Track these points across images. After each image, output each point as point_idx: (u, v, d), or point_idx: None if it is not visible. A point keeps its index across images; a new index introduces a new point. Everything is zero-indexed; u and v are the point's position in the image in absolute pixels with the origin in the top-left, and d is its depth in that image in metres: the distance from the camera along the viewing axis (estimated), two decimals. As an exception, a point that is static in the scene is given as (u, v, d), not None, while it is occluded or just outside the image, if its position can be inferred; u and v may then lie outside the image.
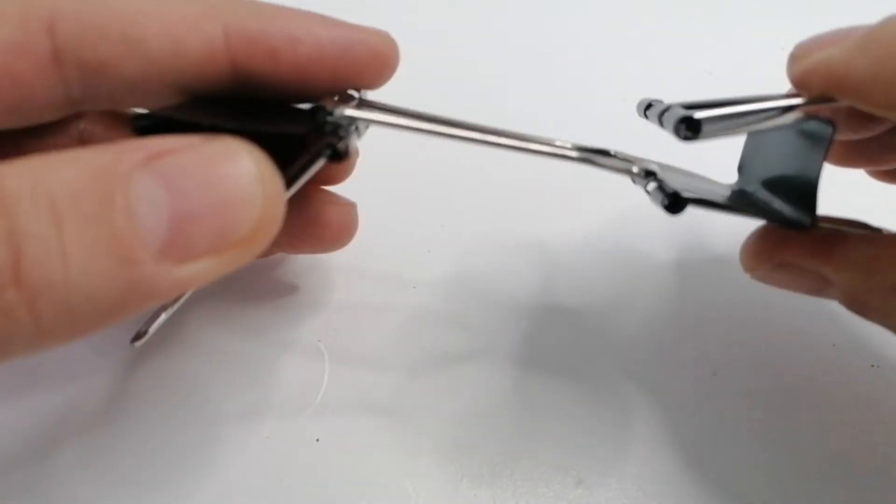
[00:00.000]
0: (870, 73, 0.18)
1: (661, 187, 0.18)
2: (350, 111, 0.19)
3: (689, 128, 0.18)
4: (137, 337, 0.19)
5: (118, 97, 0.19)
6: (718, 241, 0.29)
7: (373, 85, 0.20)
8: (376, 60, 0.20)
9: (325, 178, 0.25)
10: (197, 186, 0.14)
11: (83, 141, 0.21)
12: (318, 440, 0.23)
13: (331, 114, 0.18)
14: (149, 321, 0.19)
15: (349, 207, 0.25)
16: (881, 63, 0.17)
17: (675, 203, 0.18)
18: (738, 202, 0.21)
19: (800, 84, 0.20)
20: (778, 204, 0.21)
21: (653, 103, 0.20)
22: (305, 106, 0.19)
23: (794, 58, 0.21)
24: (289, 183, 0.17)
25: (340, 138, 0.18)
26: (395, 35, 0.20)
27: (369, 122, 0.19)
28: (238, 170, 0.14)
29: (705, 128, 0.18)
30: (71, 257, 0.12)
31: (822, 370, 0.25)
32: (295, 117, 0.19)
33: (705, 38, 0.41)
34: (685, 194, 0.18)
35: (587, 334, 0.26)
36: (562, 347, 0.25)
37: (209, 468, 0.22)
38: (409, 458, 0.22)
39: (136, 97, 0.19)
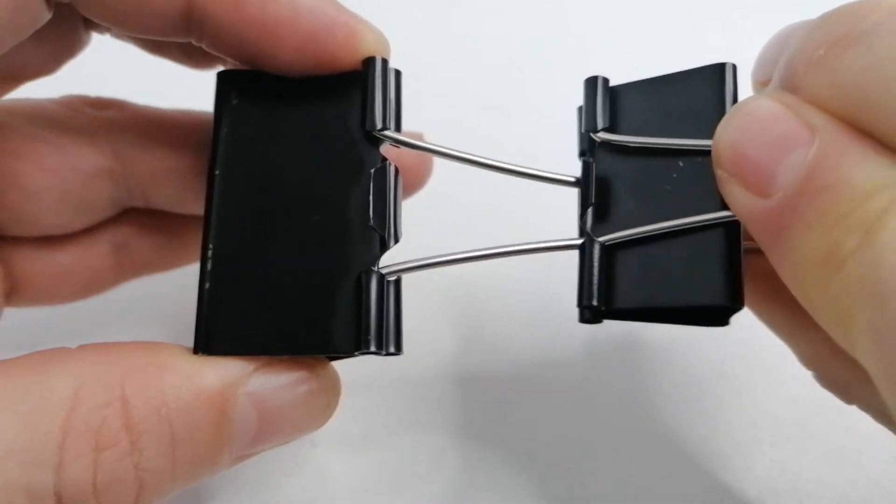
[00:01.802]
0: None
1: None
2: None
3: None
4: None
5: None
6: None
7: (340, 67, 0.18)
8: (354, 45, 0.18)
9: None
10: (281, 410, 0.16)
11: (117, 253, 0.22)
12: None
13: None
14: None
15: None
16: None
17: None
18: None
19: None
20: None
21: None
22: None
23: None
24: None
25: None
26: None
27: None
28: (316, 394, 0.17)
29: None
30: (178, 482, 0.15)
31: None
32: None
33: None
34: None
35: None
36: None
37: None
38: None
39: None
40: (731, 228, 0.16)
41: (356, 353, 0.16)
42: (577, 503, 0.23)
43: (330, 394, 0.17)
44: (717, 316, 0.17)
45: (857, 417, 0.19)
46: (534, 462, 0.23)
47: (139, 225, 0.23)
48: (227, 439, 0.16)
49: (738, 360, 0.25)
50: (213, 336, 0.17)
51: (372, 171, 0.18)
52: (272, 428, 0.16)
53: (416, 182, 0.24)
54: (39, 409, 0.14)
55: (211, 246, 0.17)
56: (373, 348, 0.16)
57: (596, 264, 0.18)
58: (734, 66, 0.18)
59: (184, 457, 0.15)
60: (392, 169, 0.18)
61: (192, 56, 0.21)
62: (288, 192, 0.18)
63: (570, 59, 0.34)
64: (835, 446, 0.23)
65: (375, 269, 0.17)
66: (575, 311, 0.18)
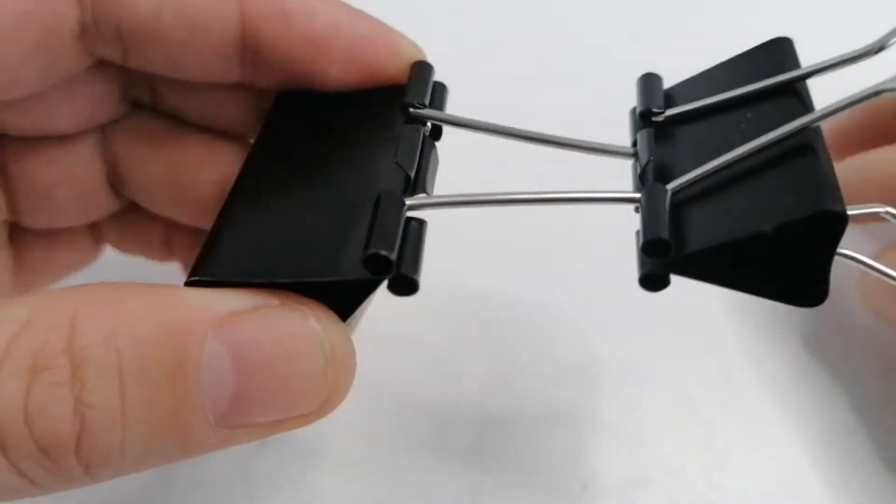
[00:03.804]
0: None
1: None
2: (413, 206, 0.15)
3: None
4: None
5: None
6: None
7: (384, 77, 0.19)
8: (396, 53, 0.19)
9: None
10: (265, 365, 0.13)
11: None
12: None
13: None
14: None
15: None
16: None
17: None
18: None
19: None
20: None
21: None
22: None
23: None
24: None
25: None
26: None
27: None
28: (309, 349, 0.14)
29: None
30: (130, 430, 0.12)
31: None
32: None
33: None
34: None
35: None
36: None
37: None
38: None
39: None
40: (814, 138, 0.14)
41: (362, 276, 0.14)
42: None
43: (334, 360, 0.14)
44: (811, 278, 0.14)
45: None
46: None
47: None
48: (192, 389, 0.13)
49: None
50: (206, 263, 0.14)
51: (404, 128, 0.17)
52: (254, 388, 0.13)
53: None
54: None
55: (233, 193, 0.16)
56: (382, 252, 0.13)
57: (664, 204, 0.14)
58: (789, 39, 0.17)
59: (136, 398, 0.12)
60: (425, 131, 0.17)
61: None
62: (322, 161, 0.17)
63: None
64: None
65: (397, 194, 0.15)
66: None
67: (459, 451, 0.22)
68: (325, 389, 0.14)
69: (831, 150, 0.15)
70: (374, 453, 0.22)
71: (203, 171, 0.21)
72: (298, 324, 0.14)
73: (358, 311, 0.15)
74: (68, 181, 0.20)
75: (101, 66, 0.19)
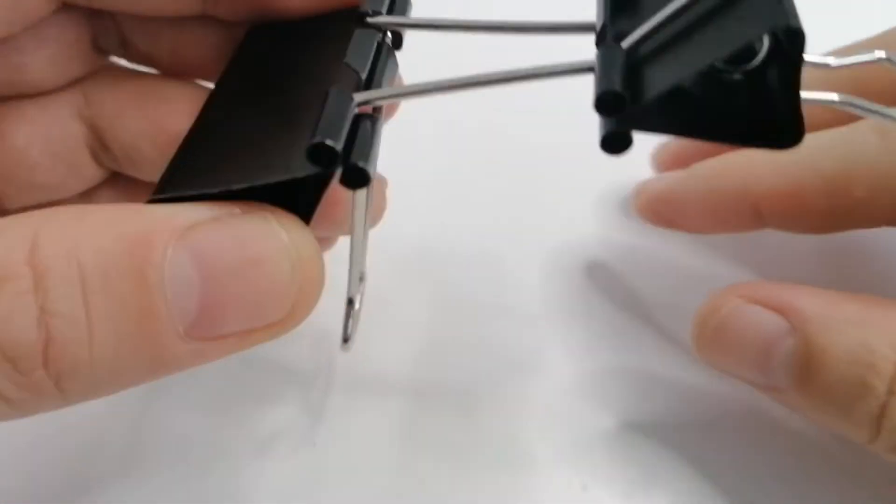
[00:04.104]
0: None
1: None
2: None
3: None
4: (346, 341, 0.19)
5: None
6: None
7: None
8: None
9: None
10: (229, 272, 0.13)
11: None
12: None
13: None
14: (349, 325, 0.19)
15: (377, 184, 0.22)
16: None
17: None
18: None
19: None
20: None
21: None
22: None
23: None
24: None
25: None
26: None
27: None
28: (272, 253, 0.13)
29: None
30: (97, 340, 0.12)
31: None
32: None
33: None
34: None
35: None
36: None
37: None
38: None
39: None
40: None
41: (309, 171, 0.13)
42: None
43: (300, 264, 0.14)
44: (781, 113, 0.13)
45: None
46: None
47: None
48: (157, 298, 0.12)
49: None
50: (169, 181, 0.15)
51: (356, 32, 0.16)
52: (220, 297, 0.13)
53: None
54: None
55: (196, 120, 0.17)
56: (326, 142, 0.13)
57: (618, 60, 0.13)
58: None
59: (100, 308, 0.12)
60: (383, 38, 0.17)
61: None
62: (281, 81, 0.17)
63: None
64: None
65: (345, 91, 0.14)
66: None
67: (459, 449, 0.21)
68: (291, 294, 0.14)
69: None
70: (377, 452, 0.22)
71: (186, 124, 0.21)
72: (261, 229, 0.14)
73: (359, 224, 0.16)
74: (45, 143, 0.20)
75: (67, 9, 0.19)
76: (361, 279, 0.19)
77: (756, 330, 0.17)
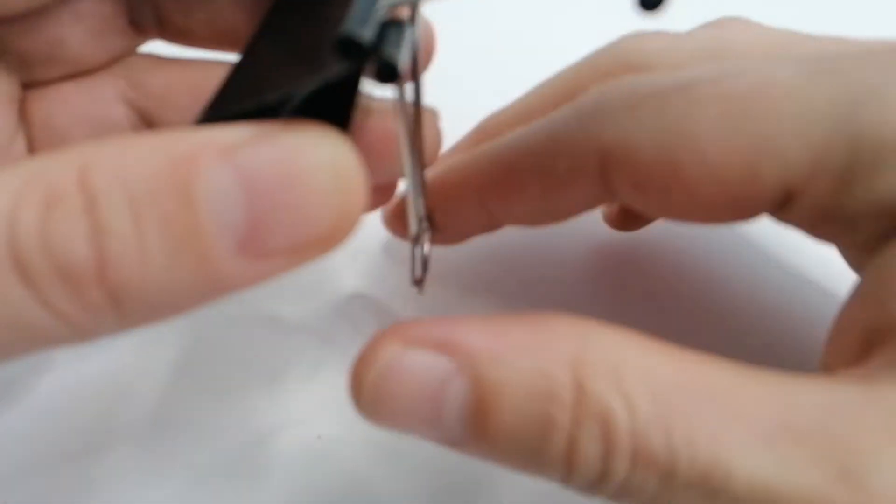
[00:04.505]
0: None
1: None
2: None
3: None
4: (417, 283, 0.19)
5: None
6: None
7: None
8: None
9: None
10: (273, 185, 0.13)
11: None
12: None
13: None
14: (421, 268, 0.19)
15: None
16: None
17: None
18: None
19: None
20: None
21: None
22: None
23: None
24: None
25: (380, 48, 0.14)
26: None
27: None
28: (316, 166, 0.13)
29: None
30: (150, 256, 0.12)
31: None
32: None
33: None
34: None
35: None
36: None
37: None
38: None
39: None
40: None
41: (338, 70, 0.13)
42: None
43: (340, 174, 0.13)
44: None
45: None
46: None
47: None
48: (203, 214, 0.13)
49: None
50: (210, 107, 0.15)
51: None
52: (264, 209, 0.13)
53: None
54: (6, 175, 0.13)
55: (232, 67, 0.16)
56: (353, 34, 0.13)
57: None
58: None
59: (150, 225, 0.12)
60: None
61: None
62: (315, 16, 0.17)
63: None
64: None
65: None
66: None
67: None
68: (334, 205, 0.13)
69: None
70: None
71: None
72: (301, 143, 0.13)
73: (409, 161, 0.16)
74: (88, 125, 0.21)
75: None
76: (423, 220, 0.19)
77: (420, 378, 0.15)
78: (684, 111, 0.17)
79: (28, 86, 0.21)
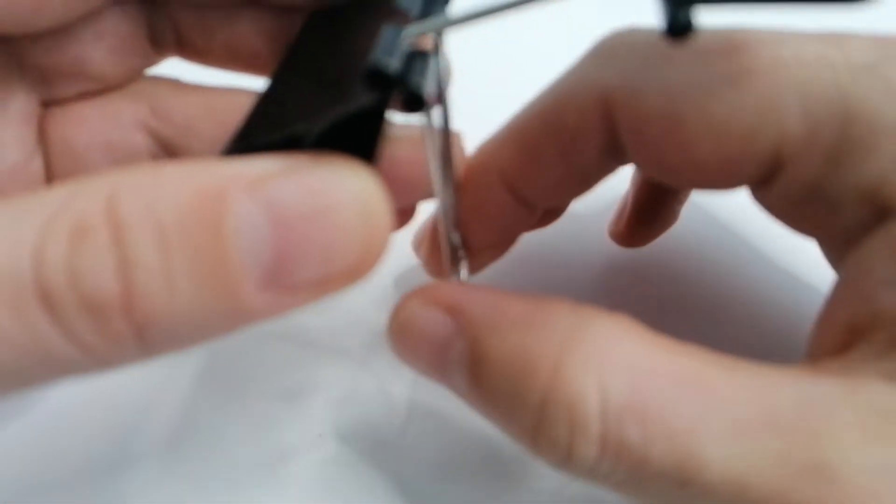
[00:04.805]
0: None
1: None
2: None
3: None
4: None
5: None
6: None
7: None
8: None
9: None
10: (301, 220, 0.13)
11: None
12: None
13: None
14: None
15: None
16: None
17: None
18: None
19: None
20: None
21: None
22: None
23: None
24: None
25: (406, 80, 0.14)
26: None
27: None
28: (344, 202, 0.13)
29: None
30: (177, 289, 0.12)
31: None
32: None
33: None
34: None
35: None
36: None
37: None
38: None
39: None
40: None
41: (364, 101, 0.13)
42: None
43: (366, 210, 0.13)
44: None
45: None
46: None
47: None
48: (231, 247, 0.12)
49: None
50: (237, 137, 0.14)
51: None
52: (291, 243, 0.13)
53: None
54: (33, 206, 0.13)
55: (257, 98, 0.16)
56: (380, 64, 0.13)
57: None
58: None
59: (179, 260, 0.12)
60: None
61: None
62: (341, 49, 0.17)
63: None
64: None
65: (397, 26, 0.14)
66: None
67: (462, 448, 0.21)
68: (360, 239, 0.14)
69: None
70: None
71: None
72: (328, 177, 0.13)
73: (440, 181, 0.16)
74: (106, 148, 0.21)
75: (121, 2, 0.19)
76: (459, 249, 0.19)
77: (429, 332, 0.17)
78: (692, 64, 0.17)
79: (47, 104, 0.21)
